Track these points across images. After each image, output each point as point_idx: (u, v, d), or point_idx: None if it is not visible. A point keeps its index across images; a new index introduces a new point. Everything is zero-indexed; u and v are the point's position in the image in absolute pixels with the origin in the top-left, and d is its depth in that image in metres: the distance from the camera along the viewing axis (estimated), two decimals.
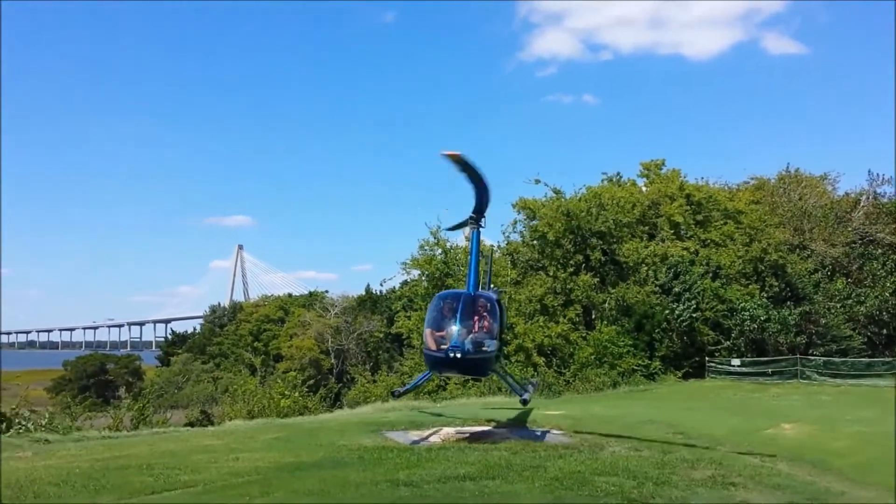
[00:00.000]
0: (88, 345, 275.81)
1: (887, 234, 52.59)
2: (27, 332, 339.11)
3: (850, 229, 53.54)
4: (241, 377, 49.70)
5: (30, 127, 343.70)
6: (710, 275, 45.59)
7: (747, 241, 49.40)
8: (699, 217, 50.04)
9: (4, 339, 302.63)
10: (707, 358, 43.84)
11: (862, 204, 56.21)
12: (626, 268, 47.44)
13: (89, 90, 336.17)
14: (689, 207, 50.05)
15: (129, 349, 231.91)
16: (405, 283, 57.32)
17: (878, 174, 57.60)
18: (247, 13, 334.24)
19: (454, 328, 15.92)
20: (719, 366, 43.21)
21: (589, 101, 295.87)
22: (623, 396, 34.85)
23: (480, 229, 18.00)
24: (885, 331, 49.14)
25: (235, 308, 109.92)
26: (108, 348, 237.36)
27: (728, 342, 44.29)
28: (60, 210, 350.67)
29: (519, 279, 47.09)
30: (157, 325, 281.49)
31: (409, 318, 49.25)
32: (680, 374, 43.27)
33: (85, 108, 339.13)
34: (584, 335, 44.50)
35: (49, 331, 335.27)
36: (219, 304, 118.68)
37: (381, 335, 67.72)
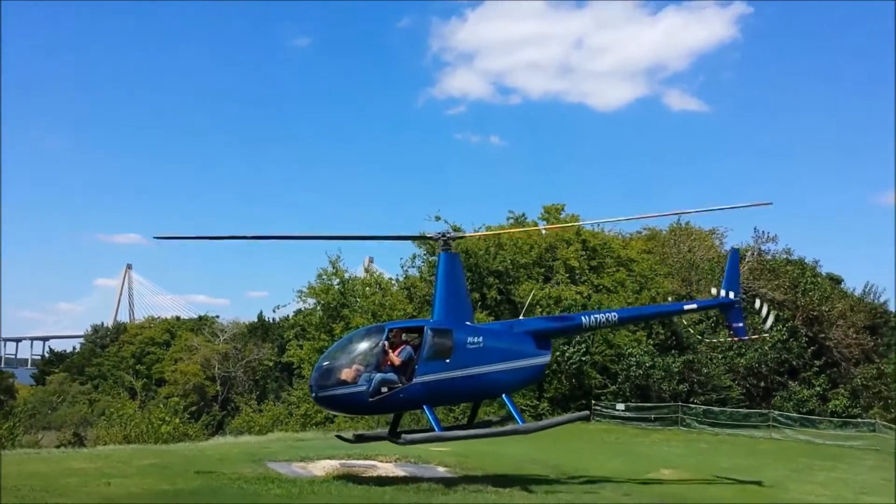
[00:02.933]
0: None
1: (769, 289, 54.65)
2: None
3: None
4: (119, 400, 47.88)
5: None
6: None
7: (638, 288, 50.53)
8: (593, 263, 51.00)
9: None
10: (593, 401, 44.51)
11: (747, 259, 58.42)
12: (520, 308, 47.83)
13: None
14: (584, 253, 50.95)
15: (2, 366, 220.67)
16: (299, 311, 56.39)
17: (763, 232, 60.09)
18: (153, 27, 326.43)
19: (317, 366, 15.64)
20: (605, 409, 43.93)
21: (496, 143, 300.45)
22: None
23: (450, 252, 17.23)
24: (762, 383, 51.03)
25: (119, 329, 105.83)
26: None
27: (614, 386, 45.08)
28: None
29: (415, 314, 46.99)
30: (35, 342, 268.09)
31: (301, 347, 48.40)
32: None
33: None
34: None
35: None
36: (102, 323, 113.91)
37: (271, 364, 66.27)
